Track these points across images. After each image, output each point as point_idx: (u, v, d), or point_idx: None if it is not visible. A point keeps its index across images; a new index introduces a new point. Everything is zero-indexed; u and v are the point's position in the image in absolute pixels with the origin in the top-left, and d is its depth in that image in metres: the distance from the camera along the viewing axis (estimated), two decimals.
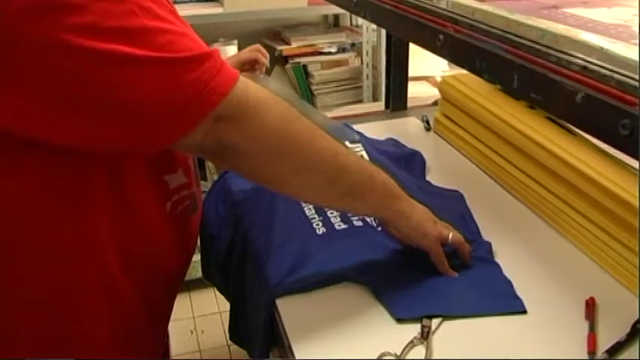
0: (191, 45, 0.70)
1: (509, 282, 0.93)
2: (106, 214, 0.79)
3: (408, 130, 1.49)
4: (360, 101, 2.33)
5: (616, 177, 0.95)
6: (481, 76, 0.79)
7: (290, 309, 0.89)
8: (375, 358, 0.80)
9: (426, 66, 2.27)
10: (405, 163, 1.28)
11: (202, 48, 0.71)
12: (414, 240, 0.92)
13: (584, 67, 0.63)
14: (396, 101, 1.68)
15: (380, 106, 1.92)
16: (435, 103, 1.68)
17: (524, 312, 0.87)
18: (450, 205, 1.13)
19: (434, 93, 2.23)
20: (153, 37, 0.67)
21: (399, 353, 0.81)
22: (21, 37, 0.62)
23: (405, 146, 1.34)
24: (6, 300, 0.79)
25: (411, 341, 0.83)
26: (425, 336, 0.83)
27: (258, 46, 1.46)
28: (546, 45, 0.69)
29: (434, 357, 0.81)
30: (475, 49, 0.78)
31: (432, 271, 0.94)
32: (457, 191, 1.18)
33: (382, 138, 1.40)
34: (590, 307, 0.87)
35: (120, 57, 0.65)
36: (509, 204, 1.16)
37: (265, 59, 1.45)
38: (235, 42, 2.11)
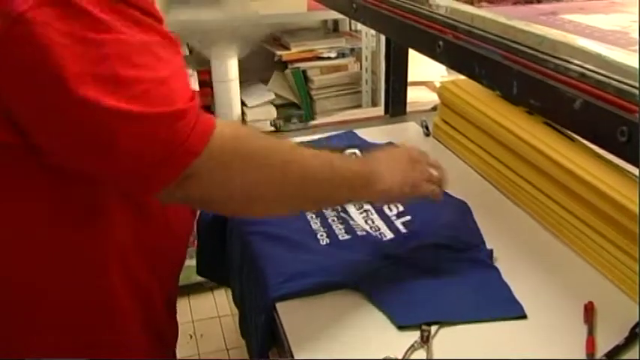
0: (169, 96, 0.68)
1: (508, 287, 0.93)
2: (124, 216, 0.81)
3: (407, 136, 1.49)
4: (359, 106, 2.34)
5: (614, 182, 0.96)
6: (480, 82, 0.79)
7: (290, 313, 0.90)
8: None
9: (425, 71, 2.27)
10: None
11: (178, 102, 0.68)
12: (401, 200, 0.99)
13: (583, 74, 0.63)
14: (396, 106, 1.68)
15: (379, 111, 1.92)
16: (434, 109, 1.68)
17: (524, 317, 0.88)
18: (455, 210, 1.14)
19: (433, 98, 2.23)
20: (126, 87, 0.65)
21: (400, 357, 0.81)
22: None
23: None
24: (35, 315, 0.80)
25: (412, 345, 0.83)
26: (425, 340, 0.84)
27: None
28: (545, 52, 0.70)
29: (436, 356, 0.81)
30: (474, 55, 0.79)
31: (431, 277, 0.95)
32: (464, 202, 1.18)
33: (382, 142, 1.41)
34: (589, 311, 0.87)
35: (89, 104, 0.64)
36: (508, 209, 1.16)
37: None
38: (235, 47, 2.12)
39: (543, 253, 1.03)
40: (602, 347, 0.81)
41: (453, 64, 0.85)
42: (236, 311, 1.36)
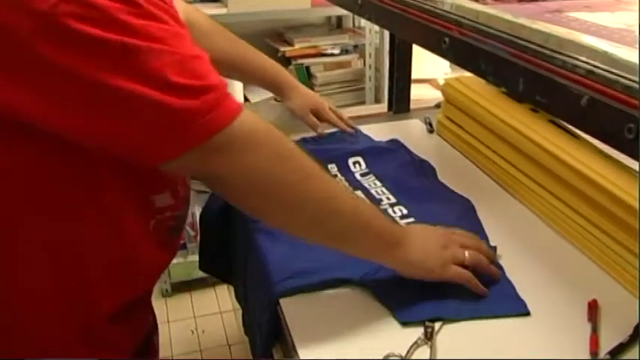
0: (198, 70, 0.71)
1: (511, 284, 0.93)
2: (91, 225, 0.80)
3: (410, 133, 1.49)
4: (363, 103, 2.34)
5: (619, 180, 0.96)
6: (486, 79, 0.79)
7: (294, 309, 0.90)
8: (381, 359, 0.81)
9: (428, 68, 2.28)
10: (416, 168, 1.29)
11: (210, 78, 0.71)
12: (426, 279, 0.91)
13: (590, 71, 0.63)
14: (399, 103, 1.68)
15: (382, 107, 1.92)
16: (438, 106, 1.68)
17: (528, 314, 0.88)
18: (459, 208, 1.14)
19: (436, 95, 2.23)
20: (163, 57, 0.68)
21: (403, 354, 0.81)
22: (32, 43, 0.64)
23: (413, 153, 1.35)
24: None
25: (416, 342, 0.83)
26: (429, 337, 0.84)
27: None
28: (551, 48, 0.70)
29: (438, 357, 0.81)
30: (480, 51, 0.78)
31: None
32: (468, 200, 1.18)
33: (385, 139, 1.41)
34: (593, 309, 0.87)
35: (124, 67, 0.66)
36: (512, 206, 1.16)
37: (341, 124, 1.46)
38: None
39: (547, 250, 1.03)
40: (606, 345, 0.81)
41: (458, 61, 0.85)
42: (238, 307, 1.37)
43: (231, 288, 1.50)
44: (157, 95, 0.67)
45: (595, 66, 0.63)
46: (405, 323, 0.87)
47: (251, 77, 1.42)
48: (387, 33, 2.15)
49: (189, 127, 0.69)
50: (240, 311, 1.35)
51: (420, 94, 2.08)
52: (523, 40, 0.73)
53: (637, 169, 0.97)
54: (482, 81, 1.35)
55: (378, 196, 1.18)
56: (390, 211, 1.13)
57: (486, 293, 0.91)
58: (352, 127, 1.46)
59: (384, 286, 0.92)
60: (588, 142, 1.07)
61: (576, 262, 1.00)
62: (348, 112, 1.69)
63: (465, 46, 0.82)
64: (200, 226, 1.37)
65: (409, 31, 0.97)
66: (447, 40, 0.86)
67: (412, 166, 1.30)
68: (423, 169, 1.29)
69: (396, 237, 0.89)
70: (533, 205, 1.14)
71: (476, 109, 1.30)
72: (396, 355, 0.81)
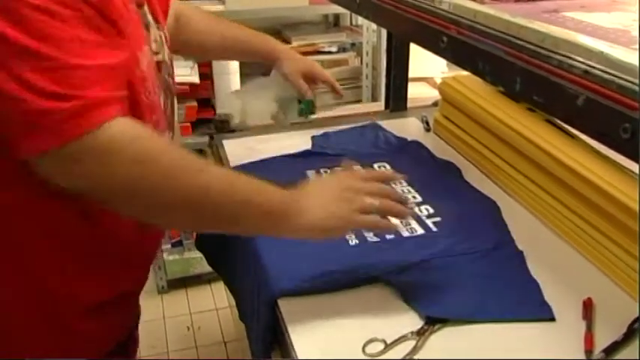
0: (74, 81, 0.72)
1: (538, 288, 0.93)
2: (60, 213, 0.83)
3: (407, 131, 1.49)
4: (360, 101, 2.34)
5: (615, 180, 0.96)
6: (483, 78, 0.79)
7: (292, 308, 0.90)
8: (365, 342, 0.82)
9: (425, 67, 2.27)
10: (441, 168, 1.31)
11: (81, 89, 0.72)
12: (334, 236, 0.88)
13: (586, 71, 0.63)
14: (396, 102, 1.69)
15: (379, 106, 1.92)
16: (435, 104, 1.69)
17: (553, 319, 0.87)
18: (484, 209, 1.15)
19: (433, 94, 2.23)
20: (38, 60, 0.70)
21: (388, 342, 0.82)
22: None
23: (435, 155, 1.36)
24: None
25: (405, 335, 0.84)
26: (421, 333, 0.84)
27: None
28: (547, 48, 0.70)
29: (421, 353, 0.82)
30: (478, 51, 0.79)
31: (461, 275, 0.95)
32: (494, 201, 1.18)
33: (409, 138, 1.43)
34: (588, 307, 0.88)
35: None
36: (508, 205, 1.17)
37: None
38: None
39: (542, 248, 1.03)
40: (601, 343, 0.82)
41: (456, 60, 0.85)
42: (234, 304, 1.36)
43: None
44: (17, 91, 0.70)
45: (591, 66, 0.64)
46: (429, 318, 0.87)
47: (239, 51, 1.43)
48: (384, 31, 2.15)
49: (44, 129, 0.71)
50: (233, 308, 1.34)
51: (417, 92, 2.08)
52: (520, 39, 0.74)
53: (632, 168, 0.98)
54: (479, 80, 1.35)
55: (404, 195, 1.18)
56: (416, 209, 1.14)
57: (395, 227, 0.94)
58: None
59: (408, 282, 0.93)
60: (584, 141, 1.08)
61: (571, 260, 1.01)
62: (345, 110, 1.70)
63: (463, 45, 0.82)
64: None
65: (407, 29, 0.97)
66: (444, 39, 0.86)
67: (437, 166, 1.32)
68: (449, 169, 1.30)
69: (286, 205, 0.84)
70: (529, 203, 1.15)
71: (473, 107, 1.31)
72: (379, 340, 0.82)
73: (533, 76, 0.69)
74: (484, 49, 0.78)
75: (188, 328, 2.19)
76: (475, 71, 0.81)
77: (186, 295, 2.34)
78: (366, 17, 1.15)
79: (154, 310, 2.26)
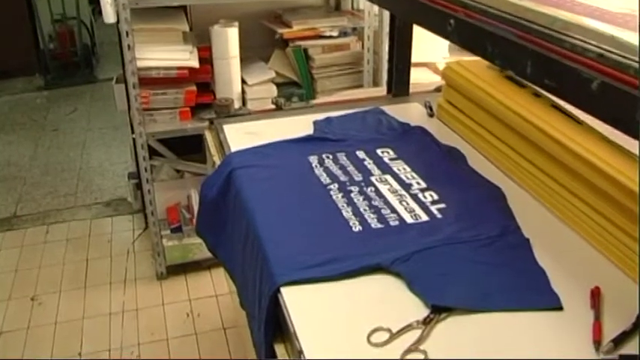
0: None
1: (545, 276, 0.92)
2: None
3: (410, 116, 1.47)
4: (360, 86, 2.31)
5: (623, 167, 0.95)
6: (492, 62, 0.78)
7: (295, 296, 0.89)
8: (370, 330, 0.80)
9: (427, 52, 2.25)
10: (444, 154, 1.29)
11: None
12: None
13: (601, 55, 0.62)
14: (399, 86, 1.67)
15: (382, 91, 1.90)
16: (438, 90, 1.67)
17: (561, 308, 0.86)
18: (491, 197, 1.13)
19: (435, 79, 2.21)
20: None
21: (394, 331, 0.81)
22: None
23: (439, 141, 1.34)
24: None
25: (410, 324, 0.83)
26: (427, 322, 0.83)
27: None
28: (559, 31, 0.68)
29: (427, 342, 0.80)
30: (487, 34, 0.77)
31: (467, 263, 0.94)
32: (498, 187, 1.16)
33: (411, 123, 1.41)
34: (596, 296, 0.86)
35: None
36: (513, 192, 1.15)
37: None
38: (236, 23, 2.09)
39: (548, 236, 1.02)
40: (609, 332, 0.81)
41: (464, 43, 0.83)
42: (234, 289, 1.35)
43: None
44: None
45: (607, 49, 0.62)
46: (434, 307, 0.85)
47: None
48: (386, 15, 2.12)
49: None
50: (236, 295, 1.33)
51: (418, 77, 2.06)
52: (531, 22, 0.72)
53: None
54: (483, 64, 1.34)
55: (407, 181, 1.17)
56: (420, 196, 1.12)
57: None
58: None
59: (413, 270, 0.91)
60: (591, 127, 1.06)
61: (578, 247, 0.99)
62: (348, 95, 1.68)
63: (471, 28, 0.80)
64: (200, 196, 1.36)
65: (413, 12, 0.95)
66: (452, 22, 0.84)
67: (441, 152, 1.30)
68: (452, 155, 1.28)
69: None
70: (534, 190, 1.13)
71: (477, 92, 1.28)
72: (384, 329, 0.81)
73: (544, 59, 0.67)
74: (493, 32, 0.76)
75: (187, 315, 2.18)
76: (484, 55, 0.79)
77: (186, 281, 2.33)
78: (371, 1, 1.13)
79: (153, 297, 2.24)
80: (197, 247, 2.28)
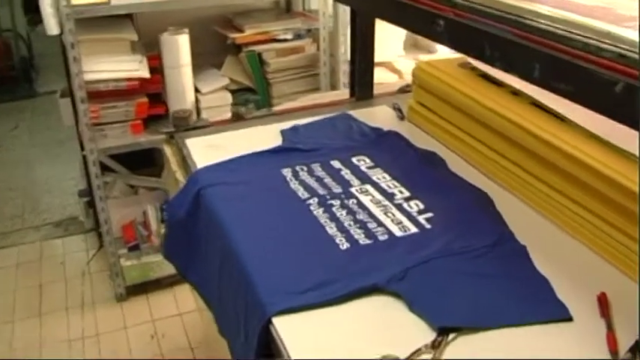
0: None
1: (549, 285, 0.87)
2: None
3: (380, 120, 1.42)
4: (317, 89, 2.25)
5: (614, 163, 0.92)
6: (492, 65, 0.73)
7: (288, 324, 0.82)
8: (379, 358, 0.75)
9: (381, 51, 2.21)
10: (422, 159, 1.24)
11: None
12: None
13: (621, 55, 0.57)
14: (362, 89, 1.61)
15: (342, 94, 1.85)
16: (403, 91, 1.62)
17: (570, 319, 0.82)
18: (479, 203, 1.08)
19: (394, 79, 2.17)
20: None
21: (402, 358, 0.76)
22: None
23: (415, 145, 1.29)
24: None
25: (419, 349, 0.77)
26: (436, 345, 0.78)
27: None
28: (566, 30, 0.64)
29: None
30: (483, 34, 0.72)
31: (465, 276, 0.89)
32: (484, 192, 1.11)
33: (383, 128, 1.36)
34: (604, 303, 0.83)
35: None
36: (499, 196, 1.10)
37: None
38: (186, 30, 2.00)
39: (542, 242, 0.98)
40: (623, 342, 0.77)
41: (456, 45, 0.78)
42: (201, 307, 1.27)
43: (191, 288, 1.39)
44: None
45: (626, 49, 0.58)
46: (441, 328, 0.80)
47: None
48: (342, 16, 2.07)
49: None
50: (203, 312, 1.25)
51: (377, 77, 2.01)
52: (535, 20, 0.67)
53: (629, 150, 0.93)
54: (455, 63, 1.30)
55: (390, 190, 1.11)
56: (405, 205, 1.07)
57: None
58: None
59: (412, 289, 0.86)
60: (576, 124, 1.03)
61: (576, 252, 0.96)
62: (310, 100, 1.62)
63: (464, 28, 0.75)
64: (166, 218, 1.28)
65: (395, 13, 0.89)
66: (441, 22, 0.79)
67: (419, 157, 1.24)
68: (432, 160, 1.23)
69: None
70: (522, 193, 1.09)
71: (452, 93, 1.24)
72: (392, 357, 0.76)
73: (556, 61, 0.63)
74: (491, 31, 0.71)
75: (152, 337, 2.09)
76: (481, 57, 0.74)
77: (147, 301, 2.23)
78: (344, 2, 1.07)
79: (114, 320, 2.14)
80: (157, 265, 2.19)
